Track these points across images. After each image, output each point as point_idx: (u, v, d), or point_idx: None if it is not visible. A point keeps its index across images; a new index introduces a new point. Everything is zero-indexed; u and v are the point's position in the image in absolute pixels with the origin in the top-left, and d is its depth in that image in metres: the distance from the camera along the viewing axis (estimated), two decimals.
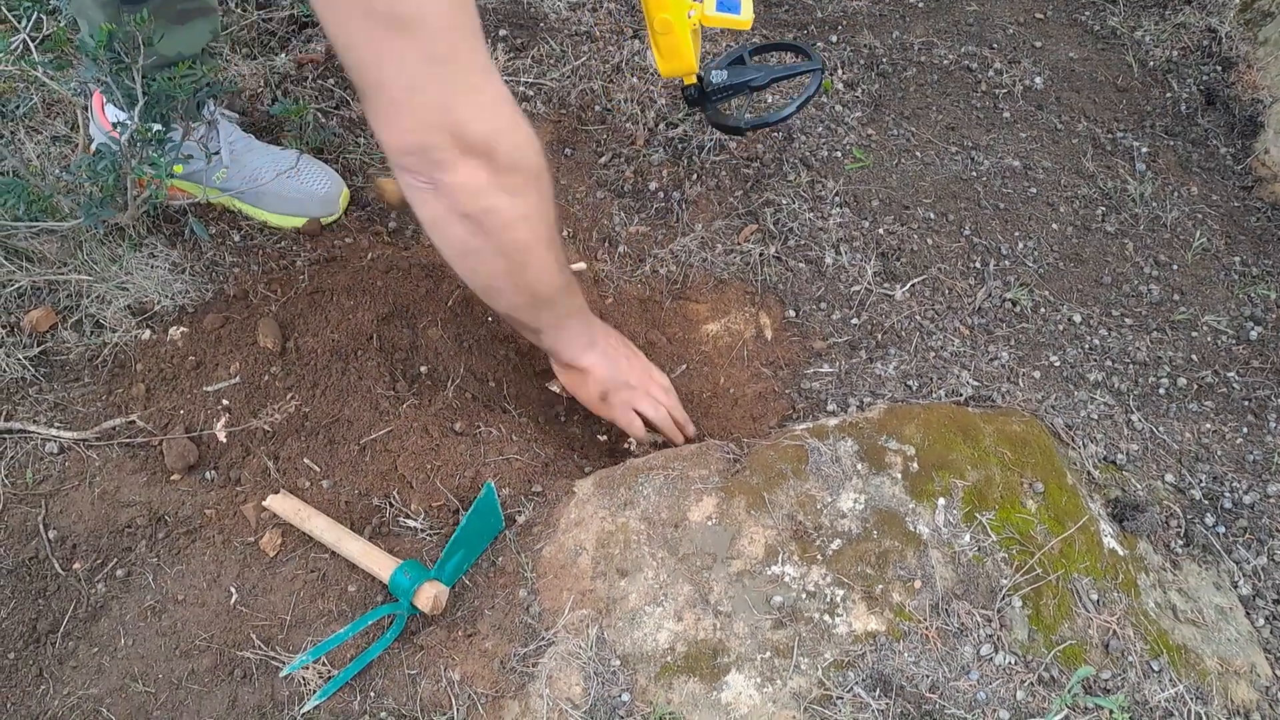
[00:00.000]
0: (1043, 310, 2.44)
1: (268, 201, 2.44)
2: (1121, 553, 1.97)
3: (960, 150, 2.76)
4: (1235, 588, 2.04)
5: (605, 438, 2.38)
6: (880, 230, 2.55)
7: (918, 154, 2.74)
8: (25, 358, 2.15)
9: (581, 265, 2.53)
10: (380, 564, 1.89)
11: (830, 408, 2.24)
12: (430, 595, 1.84)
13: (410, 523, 2.00)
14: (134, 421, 2.08)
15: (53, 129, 2.54)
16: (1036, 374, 2.30)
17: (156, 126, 2.06)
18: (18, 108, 2.34)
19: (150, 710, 1.79)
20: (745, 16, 2.37)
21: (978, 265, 2.50)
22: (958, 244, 2.54)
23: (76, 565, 1.94)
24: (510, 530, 1.99)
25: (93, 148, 2.25)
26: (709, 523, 1.92)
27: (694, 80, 2.47)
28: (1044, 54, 3.01)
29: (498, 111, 1.57)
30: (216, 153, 2.29)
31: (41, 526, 1.96)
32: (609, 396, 2.16)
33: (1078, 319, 2.43)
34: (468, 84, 1.51)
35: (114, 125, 2.07)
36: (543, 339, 2.06)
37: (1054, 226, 2.60)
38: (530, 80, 2.86)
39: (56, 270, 2.23)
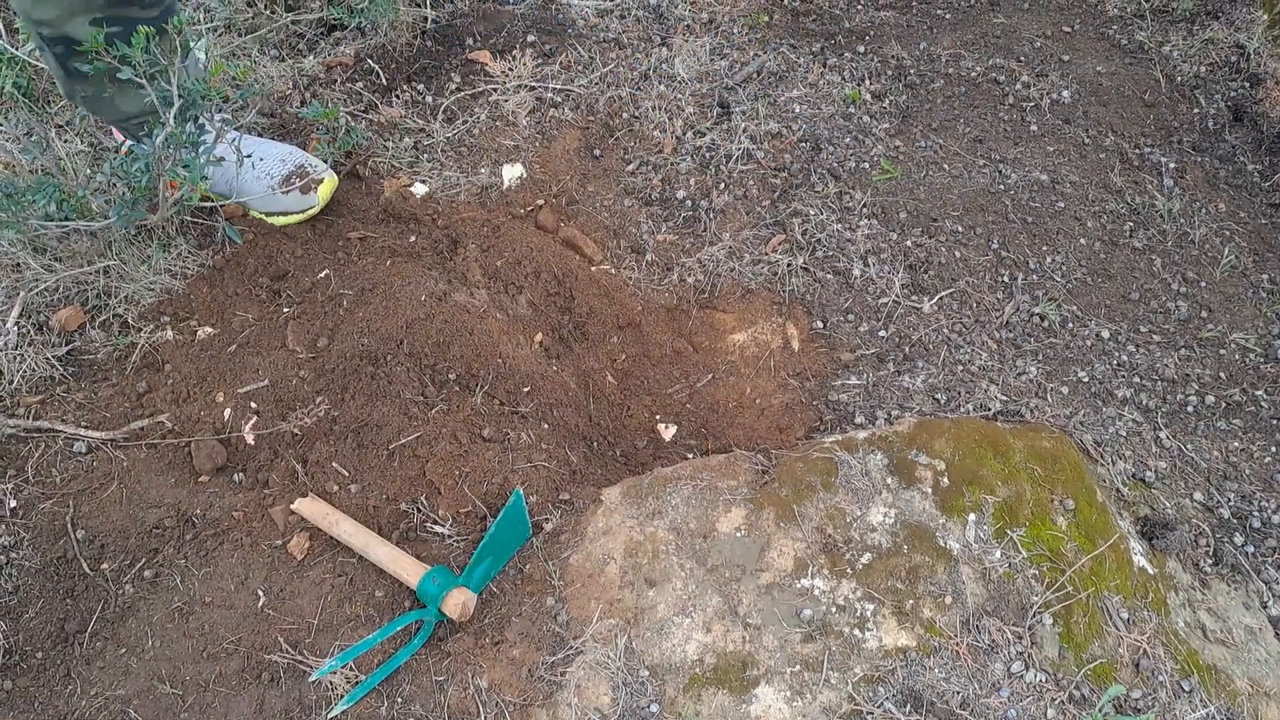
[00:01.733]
0: (1071, 325, 2.43)
1: (251, 200, 2.43)
2: (1151, 571, 1.97)
3: (988, 163, 2.75)
4: (1265, 608, 2.04)
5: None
6: (908, 242, 2.55)
7: (945, 166, 2.74)
8: (54, 357, 2.16)
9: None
10: (408, 569, 1.89)
11: (858, 420, 2.24)
12: (459, 602, 1.84)
13: (438, 529, 2.00)
14: (162, 422, 2.08)
15: (79, 128, 2.55)
16: (1065, 389, 2.30)
17: (191, 128, 2.06)
18: (49, 104, 2.34)
19: (177, 712, 1.79)
20: None
21: (1006, 279, 2.50)
22: (985, 257, 2.54)
23: (104, 565, 1.93)
24: (538, 538, 1.99)
25: (125, 148, 2.26)
26: (738, 534, 1.92)
27: None
28: (1072, 68, 3.00)
29: None
30: (249, 156, 2.29)
31: (69, 526, 1.96)
32: None
33: (1106, 335, 2.42)
34: None
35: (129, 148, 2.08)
36: None
37: (1082, 241, 2.59)
38: (558, 86, 2.86)
39: (85, 270, 2.23)
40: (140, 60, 1.89)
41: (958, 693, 1.74)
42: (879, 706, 1.73)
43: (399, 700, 1.80)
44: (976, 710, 1.73)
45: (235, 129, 2.27)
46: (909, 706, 1.73)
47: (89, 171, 2.19)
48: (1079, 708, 1.76)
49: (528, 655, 1.83)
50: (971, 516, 1.92)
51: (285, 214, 2.46)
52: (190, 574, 1.93)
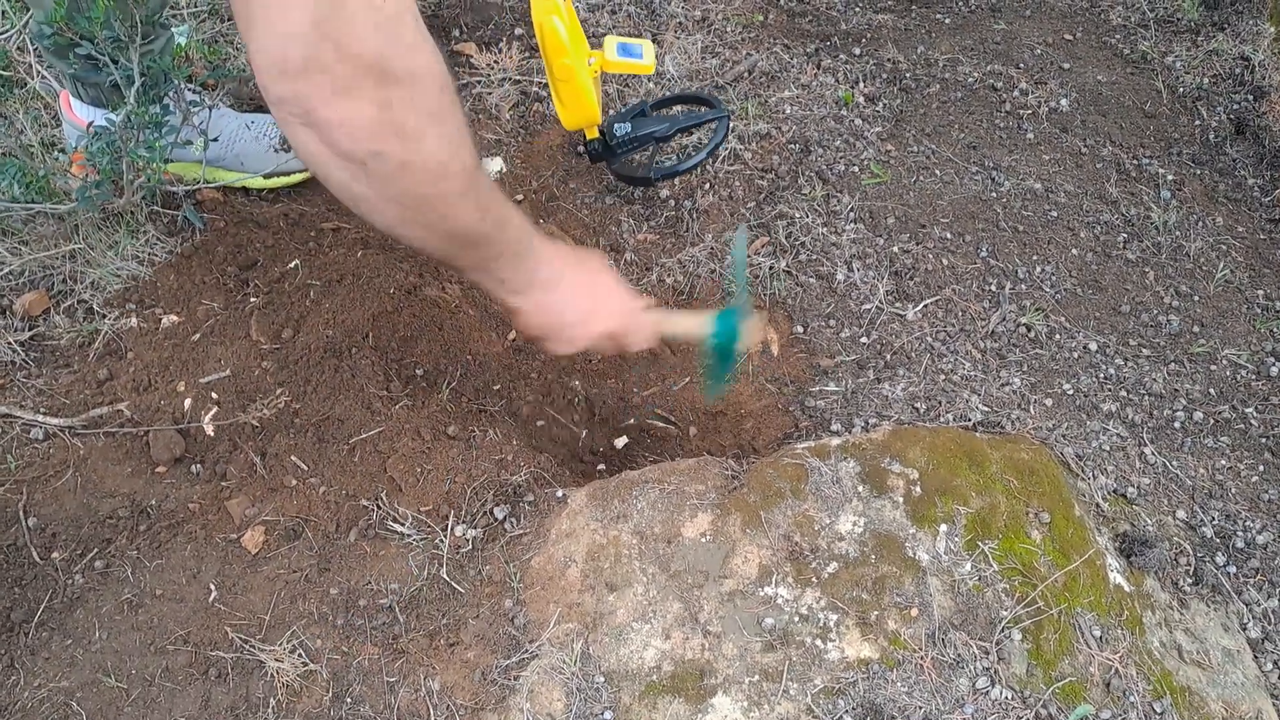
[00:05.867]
0: (1058, 337, 2.38)
1: (251, 163, 2.40)
2: (1128, 589, 1.91)
3: (981, 170, 2.70)
4: (1244, 630, 1.98)
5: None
6: (895, 248, 2.50)
7: (937, 172, 2.69)
8: (15, 341, 2.12)
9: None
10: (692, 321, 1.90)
11: (834, 427, 2.19)
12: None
13: (397, 527, 1.95)
14: (121, 410, 2.04)
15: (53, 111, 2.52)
16: (1049, 402, 2.24)
17: (154, 109, 2.02)
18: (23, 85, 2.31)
19: (121, 706, 1.75)
20: (647, 62, 2.28)
21: (993, 288, 2.45)
22: (974, 265, 2.49)
23: (55, 555, 1.89)
24: (499, 540, 1.95)
25: (68, 141, 2.24)
26: (703, 540, 1.87)
27: (596, 134, 2.37)
28: (1072, 76, 2.96)
29: (398, 29, 1.23)
30: (215, 138, 2.26)
31: (21, 513, 1.92)
32: (542, 343, 1.83)
33: (1094, 347, 2.37)
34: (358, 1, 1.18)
35: (89, 124, 2.04)
36: (468, 277, 1.71)
37: (1073, 252, 2.54)
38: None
39: (51, 254, 2.19)
40: (100, 36, 1.85)
41: (920, 708, 1.69)
42: (838, 719, 1.68)
43: (348, 700, 1.76)
44: None
45: (209, 107, 2.23)
46: None
47: (55, 154, 2.16)
48: None
49: (482, 658, 1.79)
50: (943, 527, 1.87)
51: (286, 175, 2.45)
52: (142, 566, 1.89)
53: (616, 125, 2.40)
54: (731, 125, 2.63)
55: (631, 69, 2.26)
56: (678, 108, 2.65)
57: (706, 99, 2.53)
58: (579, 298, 1.75)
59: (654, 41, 2.95)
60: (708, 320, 1.88)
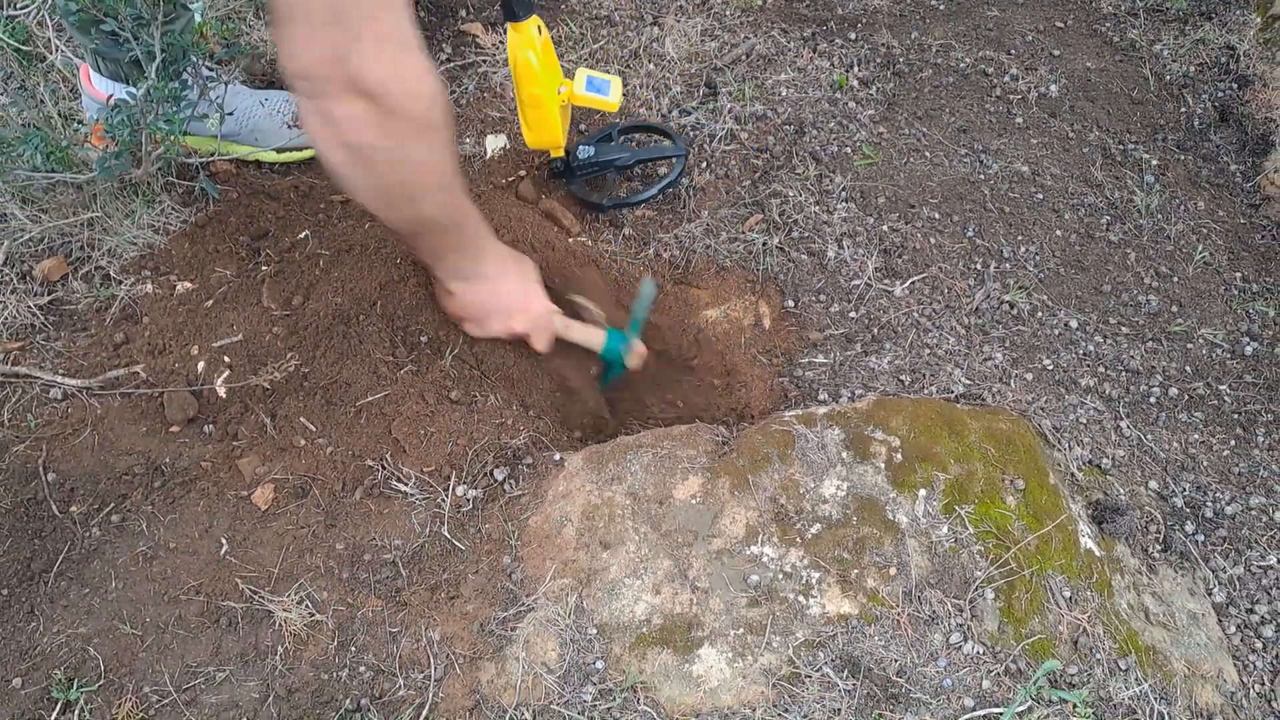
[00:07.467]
0: (1040, 314, 2.46)
1: (265, 138, 2.48)
2: (1098, 553, 2.00)
3: (970, 153, 2.78)
4: (1209, 595, 2.06)
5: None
6: (884, 227, 2.57)
7: (927, 154, 2.76)
8: (35, 305, 2.20)
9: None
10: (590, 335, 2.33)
11: (822, 397, 2.27)
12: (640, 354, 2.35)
13: (401, 486, 2.04)
14: (137, 373, 2.12)
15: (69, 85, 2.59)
16: (1029, 376, 2.32)
17: (174, 84, 2.09)
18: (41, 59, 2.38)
19: (136, 652, 1.83)
20: (613, 100, 2.45)
21: (978, 266, 2.53)
22: (960, 244, 2.56)
23: (73, 508, 1.97)
24: (499, 500, 2.03)
25: (88, 114, 2.31)
26: (693, 501, 1.96)
27: (560, 154, 2.57)
28: (1061, 62, 3.02)
29: (397, 63, 1.59)
30: (231, 113, 2.33)
31: (41, 469, 2.00)
32: (461, 322, 2.24)
33: (1074, 324, 2.45)
34: (371, 34, 1.53)
35: (109, 97, 2.11)
36: (422, 259, 2.13)
37: (1058, 233, 2.62)
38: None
39: (70, 221, 2.27)
40: (123, 13, 1.93)
41: (895, 660, 1.78)
42: (817, 670, 1.76)
43: (352, 649, 1.84)
44: (913, 678, 1.76)
45: (225, 83, 2.31)
46: (846, 671, 1.76)
47: (76, 125, 2.23)
48: (1014, 680, 1.79)
49: (481, 610, 1.88)
50: (922, 492, 1.95)
51: (298, 150, 2.54)
52: (156, 520, 1.97)
53: (581, 147, 2.58)
54: (688, 165, 2.75)
55: (596, 104, 2.45)
56: (643, 137, 2.80)
57: (670, 133, 2.69)
58: (504, 296, 2.17)
59: (655, 25, 3.02)
60: (602, 336, 2.32)
